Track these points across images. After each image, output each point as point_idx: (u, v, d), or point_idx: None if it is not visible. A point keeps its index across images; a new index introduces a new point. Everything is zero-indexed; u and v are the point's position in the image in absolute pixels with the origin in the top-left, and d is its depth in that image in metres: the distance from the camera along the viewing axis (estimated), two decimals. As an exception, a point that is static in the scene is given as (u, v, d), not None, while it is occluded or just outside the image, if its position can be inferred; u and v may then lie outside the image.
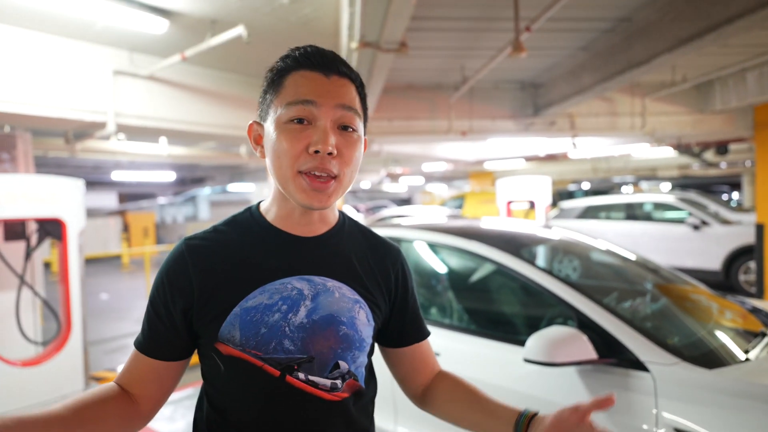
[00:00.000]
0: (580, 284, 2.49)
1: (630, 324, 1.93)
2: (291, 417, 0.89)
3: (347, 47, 3.68)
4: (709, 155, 11.20)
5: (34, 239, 3.75)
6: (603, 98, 6.95)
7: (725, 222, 7.85)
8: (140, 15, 3.65)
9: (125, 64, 4.58)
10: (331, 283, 0.92)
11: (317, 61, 0.86)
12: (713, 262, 7.68)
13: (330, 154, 0.83)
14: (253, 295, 0.87)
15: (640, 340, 1.86)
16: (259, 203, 1.00)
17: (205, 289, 0.88)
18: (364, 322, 0.95)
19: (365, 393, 0.97)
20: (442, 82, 6.53)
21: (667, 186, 21.77)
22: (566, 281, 2.15)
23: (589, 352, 1.83)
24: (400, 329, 1.05)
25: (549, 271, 2.23)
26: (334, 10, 3.77)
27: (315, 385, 0.88)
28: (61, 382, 3.59)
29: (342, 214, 1.04)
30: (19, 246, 3.78)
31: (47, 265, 11.07)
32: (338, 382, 0.91)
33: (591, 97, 5.56)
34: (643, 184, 22.62)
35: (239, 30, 3.53)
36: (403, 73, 6.07)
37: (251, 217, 0.97)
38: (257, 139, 0.94)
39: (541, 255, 3.14)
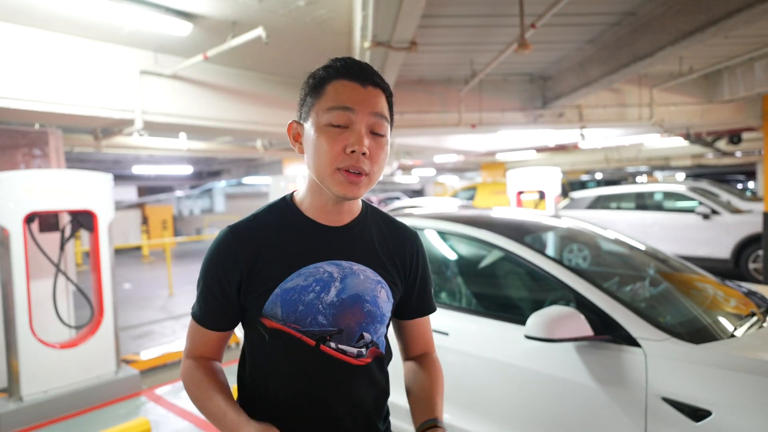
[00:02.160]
0: (579, 269, 2.65)
1: (624, 304, 2.07)
2: (325, 378, 1.05)
3: (360, 46, 3.84)
4: (722, 144, 11.14)
5: (67, 231, 3.97)
6: (611, 89, 7.00)
7: (736, 211, 7.86)
8: (166, 19, 3.83)
9: (151, 64, 4.78)
10: (357, 267, 1.06)
11: (356, 72, 0.99)
12: (723, 250, 7.70)
13: (364, 154, 0.96)
14: (291, 278, 1.01)
15: (633, 318, 2.01)
16: (292, 194, 1.13)
17: (252, 269, 1.02)
18: (384, 299, 1.10)
19: (384, 358, 1.14)
20: (452, 76, 6.64)
21: (681, 176, 21.56)
22: (566, 265, 2.31)
23: (586, 329, 1.99)
24: (406, 304, 1.19)
25: (550, 256, 2.38)
26: (347, 11, 3.92)
27: (344, 352, 1.05)
28: (96, 364, 3.82)
29: (365, 204, 1.16)
30: (53, 237, 4.01)
31: (71, 257, 11.39)
32: (363, 350, 1.07)
33: (598, 88, 5.64)
34: (658, 175, 22.41)
35: (259, 31, 3.70)
36: (415, 68, 6.20)
37: (287, 207, 1.09)
38: (296, 137, 1.06)
39: (551, 243, 3.30)
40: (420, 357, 1.22)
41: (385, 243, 1.13)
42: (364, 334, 1.07)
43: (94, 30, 4.24)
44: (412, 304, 1.19)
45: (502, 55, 4.57)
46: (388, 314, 1.12)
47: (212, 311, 1.06)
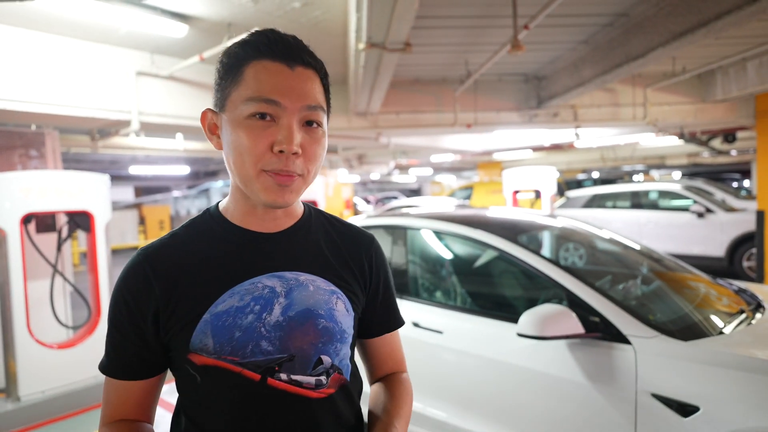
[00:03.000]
0: (571, 267, 2.68)
1: (615, 302, 2.11)
2: (277, 421, 0.84)
3: (355, 48, 3.87)
4: (717, 143, 11.20)
5: (64, 231, 3.98)
6: (605, 89, 7.04)
7: (730, 209, 7.92)
8: (162, 21, 3.85)
9: (147, 66, 4.80)
10: (304, 277, 0.88)
11: (280, 50, 0.79)
12: (717, 249, 7.75)
13: (295, 153, 0.79)
14: (223, 299, 0.83)
15: (623, 316, 2.05)
16: (217, 204, 0.94)
17: (170, 297, 0.83)
18: (343, 312, 0.91)
19: (351, 386, 0.94)
20: (447, 76, 6.66)
21: (678, 174, 21.65)
22: (558, 264, 2.35)
23: (577, 326, 2.02)
24: (369, 319, 1.00)
25: (542, 255, 2.42)
26: (342, 13, 3.95)
27: (299, 384, 0.84)
28: (93, 364, 3.82)
29: (307, 205, 0.99)
30: (50, 238, 4.02)
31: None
32: (323, 378, 0.87)
33: (592, 89, 5.67)
34: (654, 173, 22.50)
35: (254, 33, 3.73)
36: (410, 68, 6.21)
37: (211, 218, 0.91)
38: (212, 129, 0.87)
39: (545, 243, 3.34)
40: (388, 376, 1.04)
41: (336, 248, 0.96)
42: (323, 357, 0.87)
43: (91, 31, 4.25)
44: (377, 319, 1.02)
45: (496, 56, 4.61)
46: (351, 331, 0.93)
47: (125, 356, 0.85)
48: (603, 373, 1.98)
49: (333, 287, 0.91)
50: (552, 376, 2.12)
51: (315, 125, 0.82)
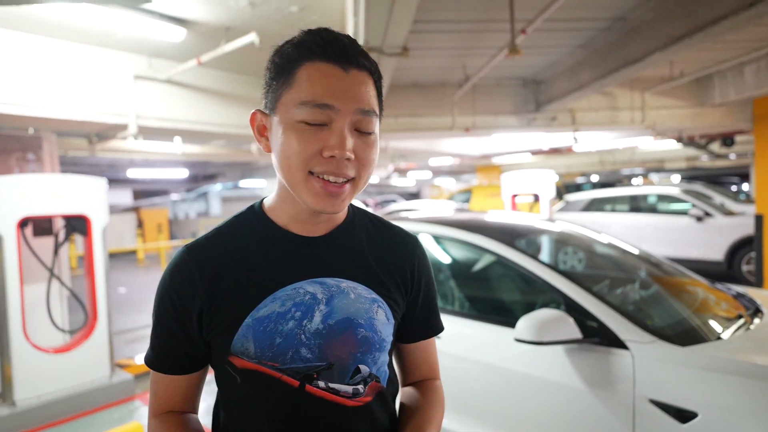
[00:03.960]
0: (569, 272, 2.67)
1: (612, 307, 2.10)
2: (313, 427, 0.85)
3: (353, 52, 3.86)
4: (715, 147, 11.22)
5: (61, 235, 3.97)
6: (603, 93, 7.05)
7: (729, 213, 7.92)
8: (159, 24, 3.85)
9: (145, 69, 4.79)
10: (346, 284, 0.88)
11: (334, 51, 0.77)
12: (716, 252, 7.75)
13: (347, 159, 0.78)
14: (264, 304, 0.83)
15: (620, 321, 2.04)
16: (262, 200, 0.94)
17: (215, 298, 0.83)
18: (383, 321, 0.90)
19: (388, 392, 0.94)
20: (445, 79, 6.67)
21: (677, 178, 21.67)
22: (555, 269, 2.34)
23: (575, 331, 2.02)
24: (408, 325, 0.99)
25: (539, 260, 2.41)
26: (340, 17, 3.95)
27: (336, 392, 0.85)
28: (90, 368, 3.81)
29: (351, 206, 0.97)
30: (46, 241, 4.01)
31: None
32: (360, 387, 0.87)
33: (590, 92, 5.68)
34: (653, 177, 22.52)
35: (252, 37, 3.73)
36: (408, 72, 6.23)
37: (255, 217, 0.91)
38: (261, 130, 0.86)
39: (543, 247, 3.33)
40: (421, 382, 1.03)
41: (378, 253, 0.94)
42: (361, 366, 0.87)
43: (88, 35, 4.25)
44: (415, 325, 1.00)
45: (494, 60, 4.62)
46: (389, 339, 0.92)
47: (171, 352, 0.87)
48: (601, 378, 1.97)
49: (374, 295, 0.90)
50: (550, 382, 2.11)
51: (368, 133, 0.81)
